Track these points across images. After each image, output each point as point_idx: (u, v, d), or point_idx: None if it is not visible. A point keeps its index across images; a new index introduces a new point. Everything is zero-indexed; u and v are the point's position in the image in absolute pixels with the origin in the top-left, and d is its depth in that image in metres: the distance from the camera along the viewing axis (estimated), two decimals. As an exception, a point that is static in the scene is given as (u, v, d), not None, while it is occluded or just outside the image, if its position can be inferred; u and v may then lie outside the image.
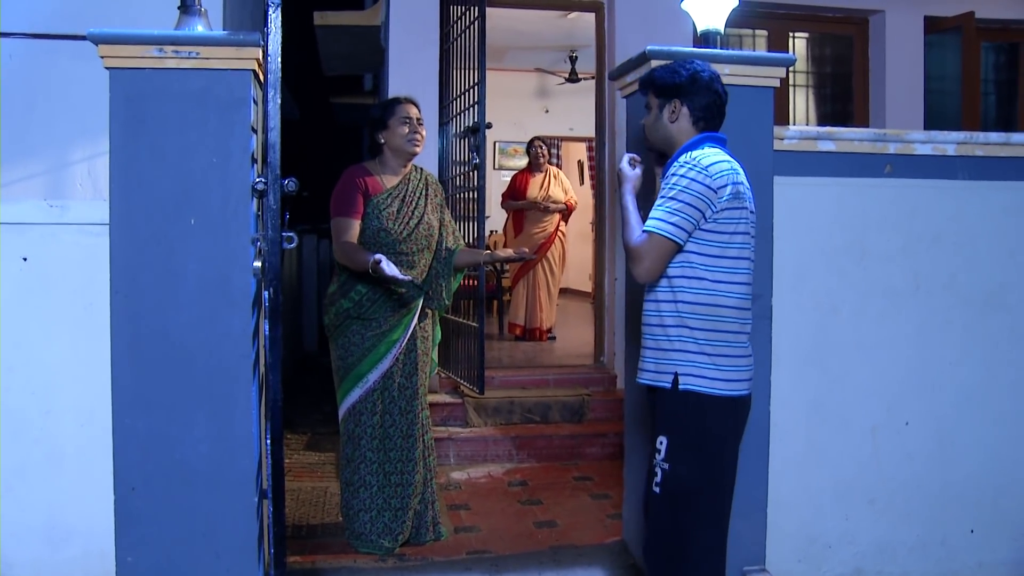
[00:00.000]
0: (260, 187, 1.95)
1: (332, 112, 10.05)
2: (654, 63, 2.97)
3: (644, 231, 2.42)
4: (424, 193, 3.52)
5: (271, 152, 1.93)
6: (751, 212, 2.50)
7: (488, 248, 9.58)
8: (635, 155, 2.72)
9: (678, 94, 2.55)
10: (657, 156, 2.75)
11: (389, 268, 3.07)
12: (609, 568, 3.33)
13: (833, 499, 3.26)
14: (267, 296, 1.98)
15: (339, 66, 7.44)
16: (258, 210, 2.73)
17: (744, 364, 2.50)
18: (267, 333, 2.29)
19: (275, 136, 1.94)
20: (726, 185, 2.42)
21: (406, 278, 3.16)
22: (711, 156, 2.46)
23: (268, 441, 2.55)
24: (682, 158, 2.47)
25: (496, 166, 11.17)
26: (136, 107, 2.68)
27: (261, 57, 2.64)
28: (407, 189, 3.47)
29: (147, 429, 2.73)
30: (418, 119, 3.44)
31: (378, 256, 3.09)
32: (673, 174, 2.43)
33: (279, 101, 1.97)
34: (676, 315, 2.46)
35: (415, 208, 3.45)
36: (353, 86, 9.43)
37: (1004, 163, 3.33)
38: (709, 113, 2.57)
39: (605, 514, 3.95)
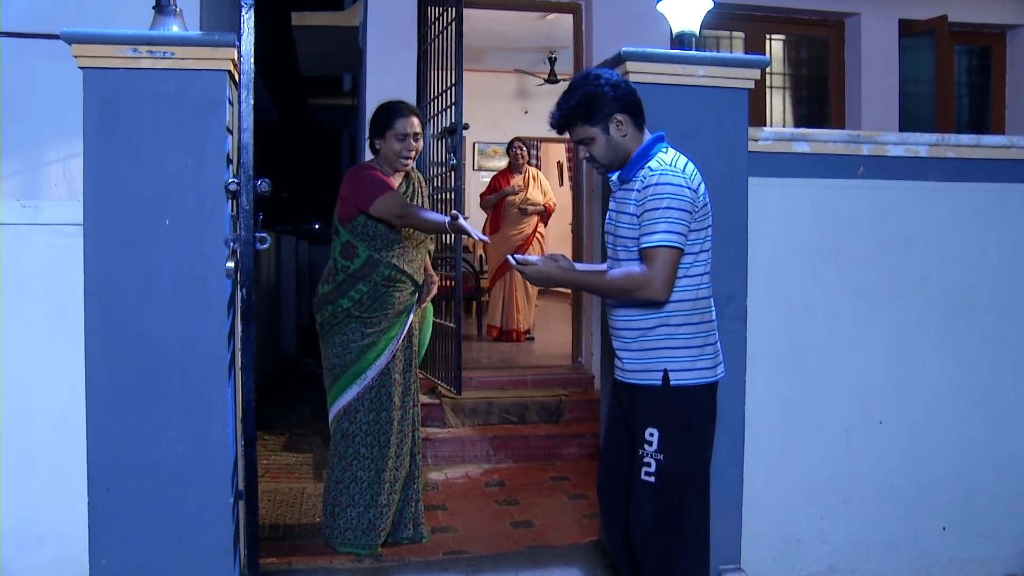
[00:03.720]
0: (233, 188, 1.95)
1: (310, 113, 10.02)
2: (629, 64, 2.99)
3: (650, 246, 2.43)
4: (420, 191, 3.59)
5: (244, 153, 1.92)
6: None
7: (467, 248, 9.57)
8: (512, 256, 2.59)
9: (615, 108, 2.54)
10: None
11: (467, 224, 3.15)
12: (586, 568, 3.33)
13: (808, 498, 3.29)
14: (241, 297, 1.97)
15: (317, 67, 7.43)
16: (232, 211, 2.72)
17: (718, 348, 2.63)
18: (240, 334, 2.28)
19: (248, 137, 1.94)
20: (700, 183, 2.53)
21: (483, 238, 3.16)
22: (679, 158, 2.54)
23: (241, 443, 2.54)
24: (653, 165, 2.50)
25: (475, 167, 11.16)
26: (110, 107, 2.67)
27: (236, 58, 2.64)
28: (411, 188, 3.53)
29: (121, 431, 2.73)
30: (415, 134, 3.43)
31: (454, 212, 3.18)
32: (656, 183, 2.45)
33: (252, 102, 1.96)
34: (657, 316, 2.52)
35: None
36: (332, 87, 9.41)
37: (975, 165, 3.37)
38: (640, 110, 2.60)
39: (582, 514, 3.95)
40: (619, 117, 2.54)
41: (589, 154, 2.63)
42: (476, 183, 10.46)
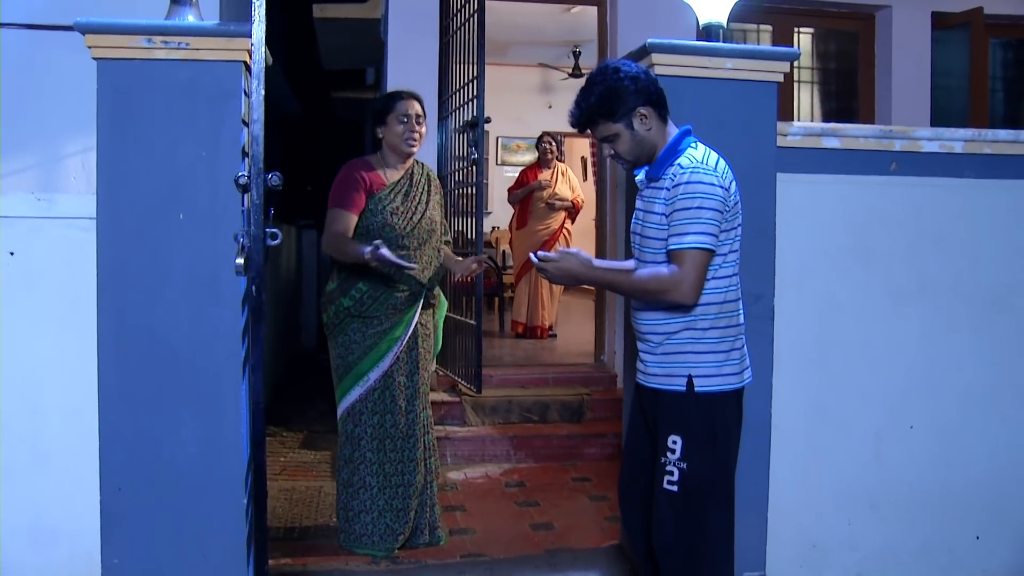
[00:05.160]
0: (243, 181, 1.89)
1: (333, 107, 9.99)
2: (655, 56, 2.91)
3: (680, 247, 2.31)
4: (427, 188, 3.46)
5: (254, 145, 1.87)
6: None
7: (489, 243, 9.49)
8: (535, 254, 2.48)
9: (638, 102, 2.41)
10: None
11: (388, 252, 3.02)
12: (606, 573, 3.26)
13: (835, 504, 3.20)
14: (251, 294, 1.92)
15: (339, 60, 7.37)
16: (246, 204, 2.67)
17: (745, 352, 2.52)
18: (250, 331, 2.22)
19: (258, 129, 1.88)
20: (732, 181, 2.41)
21: (409, 264, 3.10)
22: (710, 154, 2.42)
23: (247, 444, 2.48)
24: (683, 162, 2.37)
25: (499, 162, 11.09)
26: (124, 99, 2.64)
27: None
28: (410, 183, 3.41)
29: (133, 429, 2.69)
30: (418, 116, 3.35)
31: (376, 242, 3.03)
32: (688, 182, 2.33)
33: (263, 93, 1.91)
34: (682, 320, 2.41)
35: (418, 203, 3.39)
36: (355, 80, 9.36)
37: (1013, 161, 3.26)
38: (663, 101, 2.47)
39: (603, 516, 3.88)
40: (643, 110, 2.42)
41: (614, 151, 2.50)
42: (500, 178, 10.41)
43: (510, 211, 7.54)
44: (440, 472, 3.68)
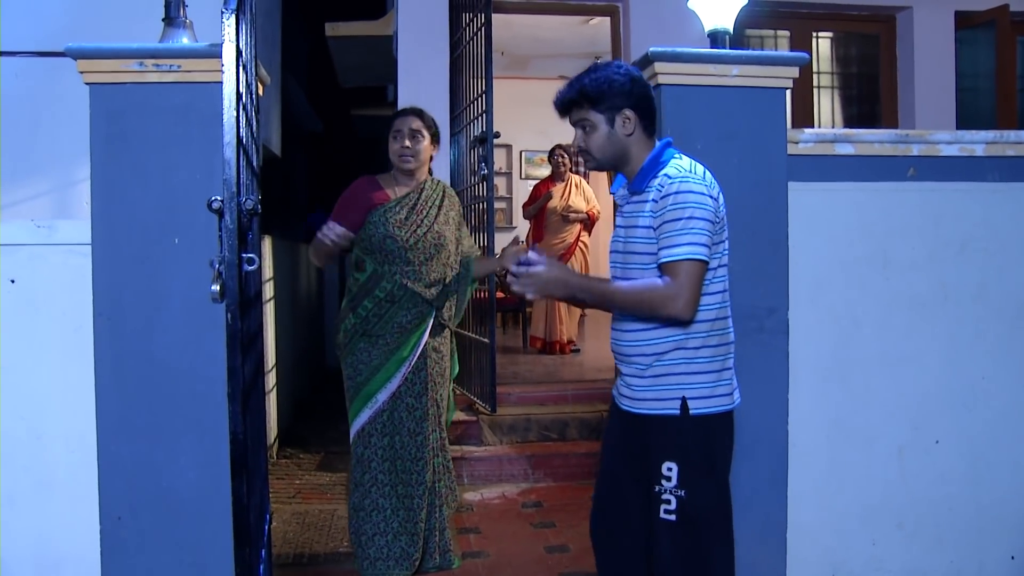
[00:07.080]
0: (216, 206, 1.84)
1: (355, 124, 10.02)
2: (658, 65, 2.84)
3: (673, 259, 2.20)
4: (439, 204, 3.43)
5: (227, 169, 1.82)
6: None
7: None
8: (517, 267, 2.30)
9: (627, 103, 2.33)
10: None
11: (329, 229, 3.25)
12: (621, 596, 3.17)
13: (858, 523, 3.08)
14: (226, 322, 1.87)
15: (355, 78, 7.38)
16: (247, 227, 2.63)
17: (734, 372, 2.41)
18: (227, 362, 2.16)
19: (230, 152, 1.83)
20: (719, 192, 2.32)
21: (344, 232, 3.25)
22: (697, 165, 2.33)
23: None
24: (671, 172, 2.28)
25: (523, 176, 11.01)
26: (117, 123, 2.62)
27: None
28: (419, 198, 3.38)
29: (133, 456, 2.65)
30: (412, 131, 3.33)
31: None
32: (677, 192, 2.22)
33: (234, 114, 1.86)
34: (672, 339, 2.30)
35: (424, 217, 3.36)
36: (377, 98, 9.39)
37: (1038, 163, 3.14)
38: (652, 116, 2.40)
39: (620, 537, 3.78)
40: (628, 113, 2.33)
41: (584, 144, 2.40)
42: (524, 192, 10.32)
43: (529, 225, 7.50)
44: (456, 494, 3.61)
